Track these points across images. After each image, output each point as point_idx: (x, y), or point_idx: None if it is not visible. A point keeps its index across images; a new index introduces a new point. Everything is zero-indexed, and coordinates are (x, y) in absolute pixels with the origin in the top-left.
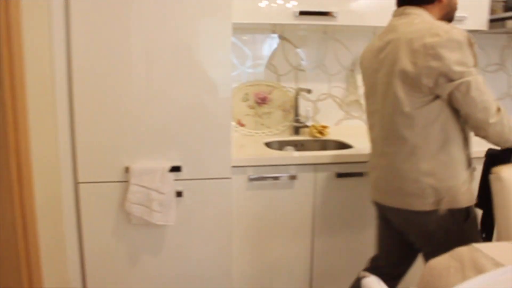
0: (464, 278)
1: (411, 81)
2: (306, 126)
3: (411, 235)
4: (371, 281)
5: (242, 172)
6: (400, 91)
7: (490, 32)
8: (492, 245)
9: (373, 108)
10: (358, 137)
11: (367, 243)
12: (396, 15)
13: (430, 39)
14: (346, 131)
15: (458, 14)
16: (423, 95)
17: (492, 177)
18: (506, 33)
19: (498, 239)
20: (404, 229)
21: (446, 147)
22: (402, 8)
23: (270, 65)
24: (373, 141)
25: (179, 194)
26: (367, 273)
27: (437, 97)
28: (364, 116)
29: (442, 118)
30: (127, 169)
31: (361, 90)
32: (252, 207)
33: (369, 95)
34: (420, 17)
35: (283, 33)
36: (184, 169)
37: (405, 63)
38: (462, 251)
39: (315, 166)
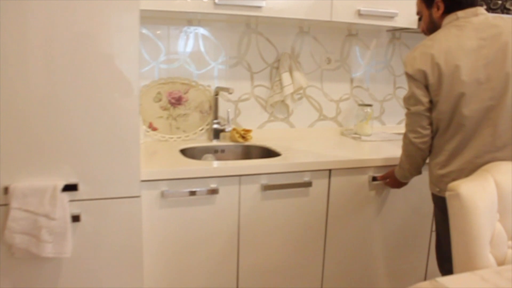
0: None
1: None
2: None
3: None
4: None
5: (153, 187)
6: None
7: (418, 31)
8: (455, 279)
9: (477, 106)
10: (283, 141)
11: (298, 261)
12: (472, 15)
13: None
14: (271, 135)
15: (389, 10)
16: None
17: (448, 194)
18: None
19: (456, 270)
20: None
21: None
22: (474, 9)
23: (187, 60)
24: (475, 139)
25: (75, 218)
26: None
27: None
28: (291, 118)
29: None
30: (6, 190)
31: (288, 89)
32: (167, 228)
33: (472, 94)
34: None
35: (200, 25)
36: (81, 187)
37: None
38: (423, 285)
39: (240, 177)
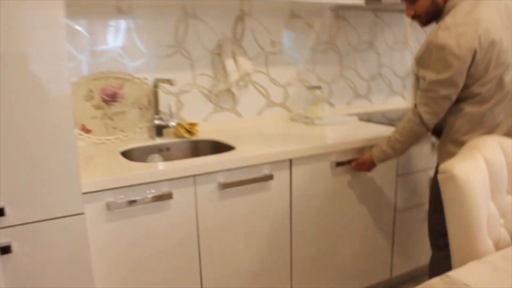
0: None
1: None
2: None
3: None
4: None
5: (96, 199)
6: None
7: (365, 8)
8: (467, 271)
9: None
10: (232, 132)
11: (265, 261)
12: None
13: None
14: (218, 127)
15: None
16: None
17: (441, 177)
18: (381, 10)
19: (455, 257)
20: None
21: None
22: None
23: (119, 52)
24: None
25: (5, 250)
26: None
27: None
28: (238, 107)
29: None
30: None
31: (232, 76)
32: (118, 245)
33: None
34: None
35: (131, 12)
36: (9, 211)
37: None
38: (435, 284)
39: (194, 178)
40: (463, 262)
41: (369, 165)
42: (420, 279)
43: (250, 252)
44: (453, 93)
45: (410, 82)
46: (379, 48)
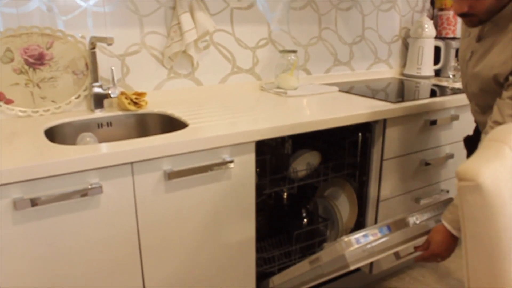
0: None
1: None
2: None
3: None
4: None
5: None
6: None
7: None
8: None
9: None
10: (189, 104)
11: (225, 266)
12: None
13: None
14: (172, 97)
15: None
16: None
17: (462, 186)
18: None
19: None
20: None
21: None
22: None
23: (45, 1)
24: None
25: None
26: None
27: None
28: (197, 73)
29: None
30: None
31: (190, 36)
32: (28, 254)
33: None
34: None
35: None
36: None
37: None
38: None
39: (132, 165)
40: None
41: (442, 242)
42: (402, 273)
43: (207, 256)
44: None
45: (397, 48)
46: (365, 7)
